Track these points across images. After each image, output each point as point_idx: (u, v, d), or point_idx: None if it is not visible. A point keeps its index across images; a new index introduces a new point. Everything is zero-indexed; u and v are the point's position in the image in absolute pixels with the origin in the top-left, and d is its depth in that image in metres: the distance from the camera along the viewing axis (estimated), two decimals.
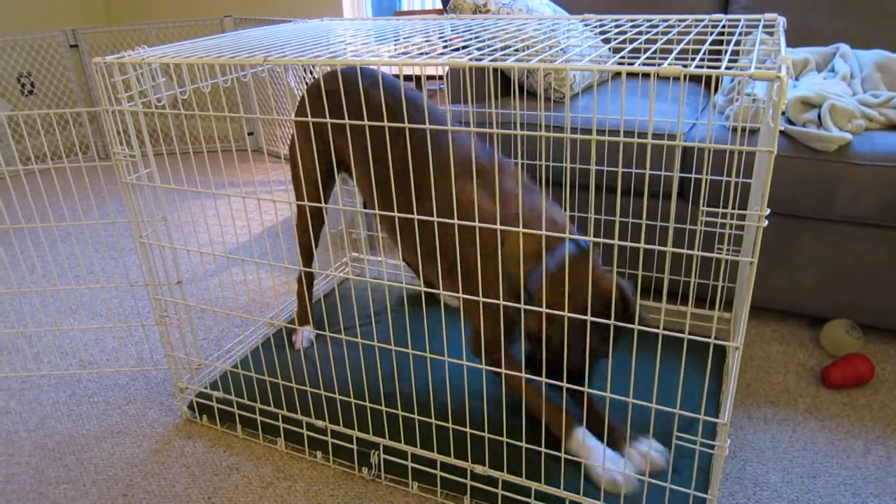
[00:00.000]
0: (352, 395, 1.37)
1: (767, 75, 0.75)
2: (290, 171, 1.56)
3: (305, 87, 1.51)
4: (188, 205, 2.73)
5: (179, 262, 1.68)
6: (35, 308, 1.97)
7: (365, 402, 1.34)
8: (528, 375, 1.22)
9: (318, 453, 1.34)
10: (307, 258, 1.59)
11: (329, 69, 1.50)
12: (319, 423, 1.31)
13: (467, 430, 1.25)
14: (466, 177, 1.24)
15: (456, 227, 1.20)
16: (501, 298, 1.10)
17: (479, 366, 1.23)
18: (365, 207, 1.64)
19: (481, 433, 1.26)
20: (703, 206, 0.77)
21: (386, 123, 0.95)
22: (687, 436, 1.23)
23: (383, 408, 1.32)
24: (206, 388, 1.45)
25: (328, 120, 1.02)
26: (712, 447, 1.19)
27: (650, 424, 1.27)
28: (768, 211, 0.84)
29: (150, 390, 1.58)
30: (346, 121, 1.02)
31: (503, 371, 1.19)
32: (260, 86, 3.36)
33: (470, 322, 1.30)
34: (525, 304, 1.18)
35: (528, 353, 1.29)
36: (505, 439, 1.21)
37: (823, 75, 1.79)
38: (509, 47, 1.06)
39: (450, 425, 1.24)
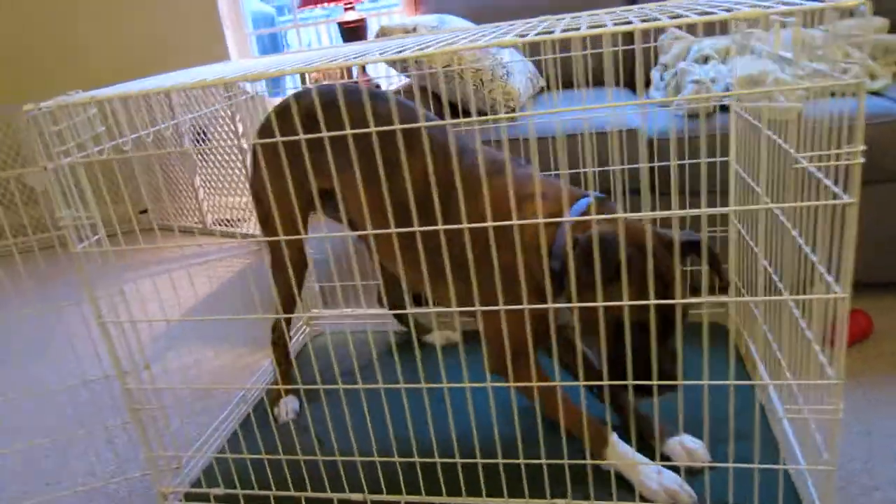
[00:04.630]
0: (356, 453, 1.25)
1: None
2: (256, 210, 1.40)
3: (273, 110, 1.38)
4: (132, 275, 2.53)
5: (142, 342, 1.47)
6: None
7: (373, 457, 1.23)
8: (561, 383, 1.17)
9: None
10: (288, 312, 1.45)
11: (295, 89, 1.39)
12: (323, 495, 1.19)
13: (478, 459, 1.16)
14: (494, 177, 1.16)
15: (490, 231, 1.06)
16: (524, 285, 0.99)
17: (501, 383, 1.16)
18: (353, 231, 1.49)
19: (496, 467, 1.17)
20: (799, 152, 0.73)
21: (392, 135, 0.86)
22: (792, 407, 1.13)
23: (396, 458, 1.21)
24: (192, 486, 1.30)
25: (326, 134, 0.93)
26: (824, 411, 1.10)
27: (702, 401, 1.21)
28: (864, 147, 0.80)
29: (132, 500, 1.41)
30: (347, 133, 0.93)
31: (535, 384, 1.11)
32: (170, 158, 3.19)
33: (487, 335, 1.19)
34: (556, 290, 1.08)
35: (565, 358, 1.22)
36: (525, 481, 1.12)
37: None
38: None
39: (473, 460, 1.15)
